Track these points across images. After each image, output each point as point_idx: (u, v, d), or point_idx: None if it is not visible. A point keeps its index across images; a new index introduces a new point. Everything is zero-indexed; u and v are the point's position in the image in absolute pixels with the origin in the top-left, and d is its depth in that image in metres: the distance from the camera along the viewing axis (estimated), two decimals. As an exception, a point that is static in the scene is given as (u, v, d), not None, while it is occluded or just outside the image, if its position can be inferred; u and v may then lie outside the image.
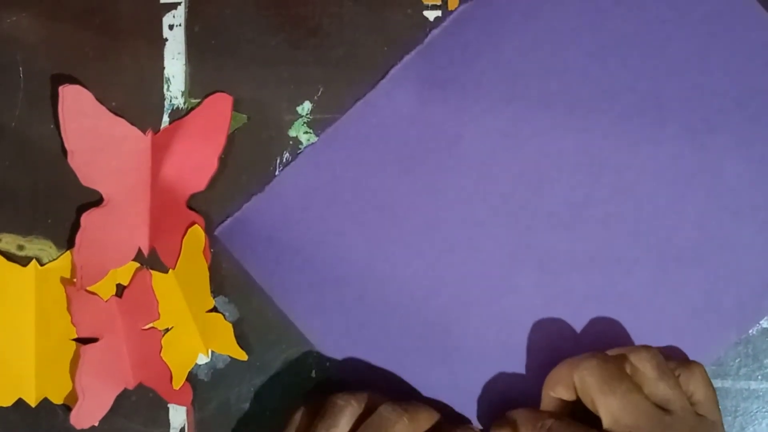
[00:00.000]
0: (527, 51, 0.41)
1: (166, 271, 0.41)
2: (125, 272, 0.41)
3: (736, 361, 0.40)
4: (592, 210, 0.40)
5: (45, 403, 0.42)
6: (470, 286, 0.41)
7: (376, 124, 0.41)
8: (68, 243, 0.42)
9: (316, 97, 0.41)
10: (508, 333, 0.41)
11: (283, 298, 0.41)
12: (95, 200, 0.41)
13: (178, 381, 0.41)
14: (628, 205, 0.40)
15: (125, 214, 0.41)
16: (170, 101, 0.42)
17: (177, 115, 0.42)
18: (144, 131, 0.41)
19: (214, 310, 0.42)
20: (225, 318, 0.41)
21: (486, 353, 0.41)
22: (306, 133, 0.41)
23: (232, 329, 0.41)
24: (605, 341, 0.39)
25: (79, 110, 0.41)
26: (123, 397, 0.42)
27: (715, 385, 0.37)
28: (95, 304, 0.41)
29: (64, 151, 0.41)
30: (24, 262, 0.42)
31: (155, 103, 0.42)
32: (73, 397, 0.41)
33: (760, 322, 0.40)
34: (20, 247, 0.42)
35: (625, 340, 0.40)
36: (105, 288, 0.41)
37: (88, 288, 0.41)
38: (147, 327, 0.41)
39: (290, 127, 0.41)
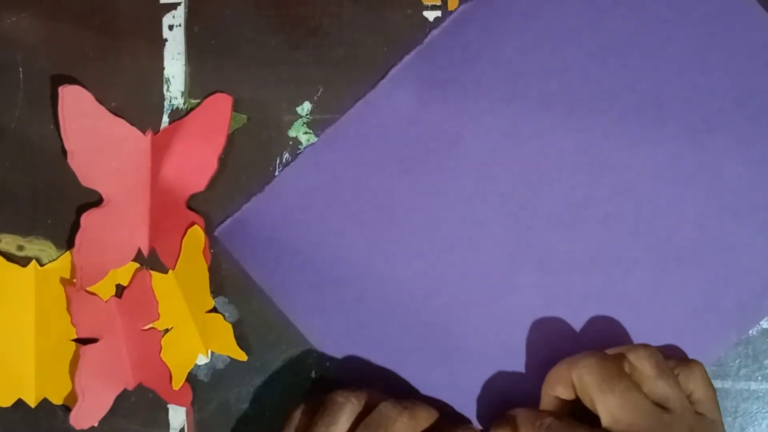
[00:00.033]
0: (527, 51, 0.41)
1: (166, 272, 0.41)
2: (125, 273, 0.41)
3: (736, 361, 0.40)
4: (592, 210, 0.40)
5: (45, 403, 0.42)
6: (470, 286, 0.41)
7: (376, 125, 0.41)
8: (68, 243, 0.42)
9: (315, 98, 0.41)
10: (508, 333, 0.40)
11: (283, 299, 0.41)
12: (95, 200, 0.41)
13: (178, 381, 0.41)
14: (628, 205, 0.40)
15: (125, 215, 0.41)
16: (170, 101, 0.42)
17: (177, 115, 0.42)
18: (144, 131, 0.41)
19: (214, 310, 0.42)
20: (225, 318, 0.41)
21: (486, 353, 0.41)
22: (306, 133, 0.41)
23: (231, 330, 0.41)
24: (605, 341, 0.39)
25: (78, 111, 0.41)
26: (123, 398, 0.42)
27: (715, 386, 0.37)
28: (95, 304, 0.41)
29: (64, 152, 0.41)
30: (24, 262, 0.42)
31: (155, 103, 0.42)
32: (72, 398, 0.41)
33: (760, 323, 0.40)
34: (20, 248, 0.42)
35: (625, 340, 0.40)
36: (105, 288, 0.41)
37: (87, 288, 0.41)
38: (147, 327, 0.41)
39: (290, 128, 0.41)
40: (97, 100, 0.41)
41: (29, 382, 0.41)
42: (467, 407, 0.41)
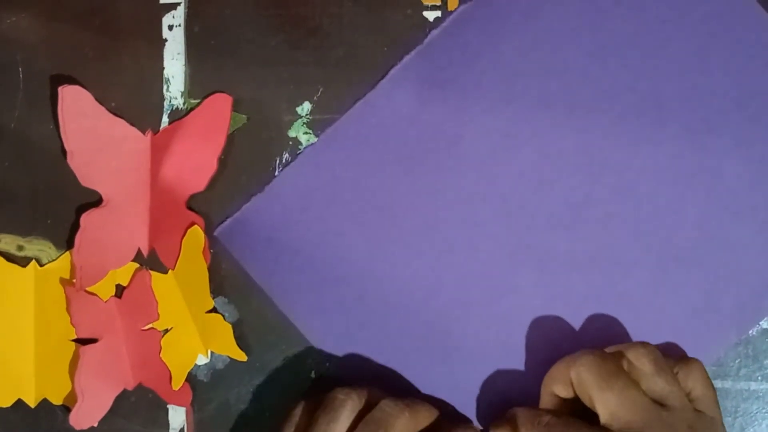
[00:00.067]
0: (527, 51, 0.41)
1: (166, 272, 0.41)
2: (125, 273, 0.41)
3: (736, 361, 0.40)
4: (592, 210, 0.40)
5: (44, 403, 0.42)
6: (470, 286, 0.41)
7: (376, 125, 0.41)
8: (68, 243, 0.42)
9: (315, 98, 0.41)
10: (508, 333, 0.40)
11: (283, 299, 0.41)
12: (95, 201, 0.41)
13: (178, 382, 0.41)
14: (628, 205, 0.40)
15: (125, 215, 0.41)
16: (170, 101, 0.42)
17: (176, 115, 0.42)
18: (143, 132, 0.41)
19: (214, 310, 0.42)
20: (224, 318, 0.41)
21: (486, 353, 0.41)
22: (306, 133, 0.41)
23: (231, 330, 0.41)
24: (605, 341, 0.39)
25: (78, 111, 0.41)
26: (122, 398, 0.41)
27: (715, 386, 0.37)
28: (95, 304, 0.41)
29: (64, 152, 0.41)
30: (23, 262, 0.42)
31: (155, 103, 0.42)
32: (72, 398, 0.41)
33: (760, 323, 0.40)
34: (20, 248, 0.42)
35: (625, 339, 0.40)
36: (104, 288, 0.41)
37: (87, 288, 0.41)
38: (146, 328, 0.41)
39: (290, 128, 0.41)
40: (97, 100, 0.41)
41: (29, 383, 0.41)
42: (467, 407, 0.41)
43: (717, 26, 0.40)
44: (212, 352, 0.42)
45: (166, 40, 0.42)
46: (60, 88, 0.40)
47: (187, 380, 0.41)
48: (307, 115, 0.41)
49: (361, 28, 0.41)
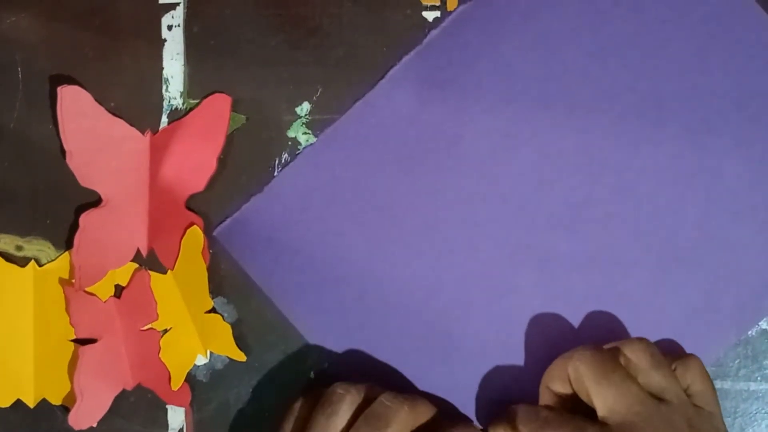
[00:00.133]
0: (527, 51, 0.41)
1: (165, 272, 0.41)
2: (124, 273, 0.41)
3: (736, 362, 0.40)
4: (592, 210, 0.40)
5: (43, 403, 0.42)
6: (470, 287, 0.41)
7: (376, 125, 0.41)
8: (67, 243, 0.42)
9: (315, 98, 0.41)
10: (508, 333, 0.40)
11: (282, 299, 0.41)
12: (94, 201, 0.41)
13: (177, 382, 0.41)
14: (628, 206, 0.40)
15: (124, 215, 0.41)
16: (169, 102, 0.42)
17: (176, 115, 0.42)
18: (143, 132, 0.41)
19: (213, 310, 0.42)
20: (224, 319, 0.41)
21: (486, 353, 0.41)
22: (305, 133, 0.41)
23: (230, 330, 0.41)
24: (605, 341, 0.39)
25: (77, 111, 0.41)
26: (121, 398, 0.41)
27: (714, 387, 0.37)
28: (94, 304, 0.41)
29: (63, 152, 0.41)
30: (22, 262, 0.42)
31: (154, 103, 0.42)
32: (71, 398, 0.41)
33: (760, 323, 0.40)
34: (19, 248, 0.42)
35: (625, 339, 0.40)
36: (104, 289, 0.41)
37: (86, 289, 0.41)
38: (145, 328, 0.41)
39: (289, 128, 0.41)
40: (96, 100, 0.41)
41: (28, 383, 0.41)
42: (467, 406, 0.41)
43: (717, 26, 0.40)
44: (211, 353, 0.42)
45: (165, 40, 0.42)
46: (59, 88, 0.40)
47: (186, 380, 0.41)
48: (306, 115, 0.41)
49: (361, 28, 0.41)
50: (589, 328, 0.40)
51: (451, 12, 0.41)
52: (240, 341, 0.41)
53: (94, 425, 0.41)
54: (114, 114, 0.41)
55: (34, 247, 0.42)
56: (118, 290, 0.42)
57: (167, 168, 0.41)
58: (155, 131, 0.41)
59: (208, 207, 0.42)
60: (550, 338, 0.40)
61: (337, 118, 0.41)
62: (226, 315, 0.42)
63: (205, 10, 0.42)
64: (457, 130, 0.41)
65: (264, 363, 0.42)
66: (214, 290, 0.42)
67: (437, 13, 0.41)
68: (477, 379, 0.41)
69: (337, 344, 0.41)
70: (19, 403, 0.41)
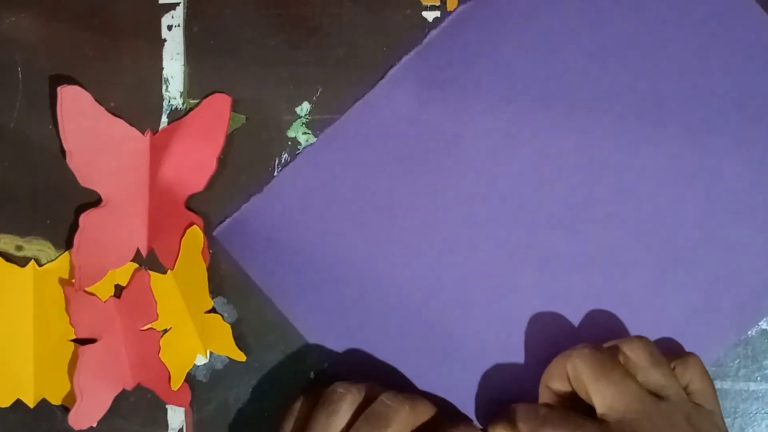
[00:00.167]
0: (527, 51, 0.41)
1: (165, 272, 0.41)
2: (124, 273, 0.41)
3: (736, 362, 0.40)
4: (592, 210, 0.40)
5: (43, 403, 0.42)
6: (470, 287, 0.41)
7: (375, 125, 0.41)
8: (67, 243, 0.42)
9: (315, 98, 0.41)
10: (508, 333, 0.40)
11: (282, 299, 0.41)
12: (94, 201, 0.41)
13: (177, 382, 0.41)
14: (628, 206, 0.40)
15: (124, 215, 0.41)
16: (169, 102, 0.42)
17: (176, 115, 0.42)
18: (143, 132, 0.41)
19: (213, 310, 0.42)
20: (223, 319, 0.41)
21: (486, 353, 0.41)
22: (305, 133, 0.41)
23: (230, 330, 0.41)
24: (604, 341, 0.39)
25: (77, 111, 0.41)
26: (121, 398, 0.41)
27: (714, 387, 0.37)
28: (94, 304, 0.41)
29: (63, 152, 0.41)
30: (22, 262, 0.42)
31: (154, 103, 0.42)
32: (71, 398, 0.41)
33: (760, 324, 0.40)
34: (19, 248, 0.42)
35: (625, 340, 0.40)
36: (103, 289, 0.41)
37: (86, 289, 0.41)
38: (145, 328, 0.41)
39: (289, 128, 0.41)
40: (96, 100, 0.41)
41: (28, 383, 0.41)
42: (467, 406, 0.41)
43: (717, 26, 0.40)
44: (211, 353, 0.42)
45: (165, 40, 0.42)
46: (59, 89, 0.40)
47: (186, 380, 0.41)
48: (306, 115, 0.41)
49: (361, 28, 0.41)
50: (589, 328, 0.40)
51: (451, 12, 0.41)
52: (240, 341, 0.41)
53: (94, 425, 0.41)
54: (114, 114, 0.41)
55: (34, 247, 0.42)
56: (118, 290, 0.42)
57: (167, 168, 0.41)
58: (155, 131, 0.41)
59: (208, 207, 0.42)
60: (550, 338, 0.40)
61: (337, 118, 0.41)
62: (225, 315, 0.42)
63: (205, 10, 0.42)
64: (457, 130, 0.41)
65: (264, 363, 0.42)
66: (214, 290, 0.42)
67: (437, 13, 0.41)
68: (477, 378, 0.41)
69: (336, 344, 0.41)
70: (19, 403, 0.41)
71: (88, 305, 0.41)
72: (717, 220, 0.40)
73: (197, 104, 0.41)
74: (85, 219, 0.40)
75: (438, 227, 0.41)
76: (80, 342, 0.41)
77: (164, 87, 0.42)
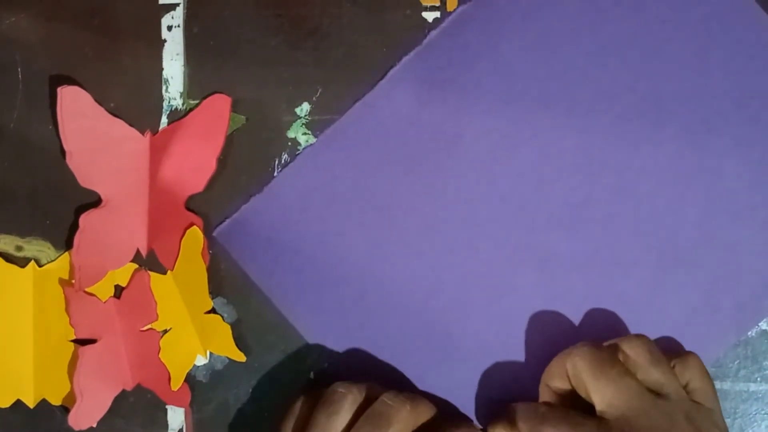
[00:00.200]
0: (526, 51, 0.41)
1: (165, 273, 0.41)
2: (124, 273, 0.41)
3: (735, 362, 0.40)
4: (592, 210, 0.40)
5: (43, 404, 0.42)
6: (470, 287, 0.41)
7: (375, 125, 0.41)
8: (67, 244, 0.42)
9: (314, 98, 0.41)
10: (507, 333, 0.40)
11: (282, 300, 0.41)
12: (94, 201, 0.41)
13: (177, 382, 0.41)
14: (628, 206, 0.40)
15: (124, 215, 0.41)
16: (169, 102, 0.42)
17: (175, 116, 0.42)
18: (142, 132, 0.41)
19: (213, 311, 0.42)
20: (223, 319, 0.41)
21: (486, 353, 0.41)
22: (305, 134, 0.41)
23: (230, 330, 0.41)
24: (604, 341, 0.39)
25: (77, 111, 0.41)
26: (121, 398, 0.41)
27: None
28: (94, 305, 0.41)
29: (63, 152, 0.41)
30: (22, 263, 0.42)
31: (154, 104, 0.42)
32: (71, 398, 0.41)
33: (759, 324, 0.40)
34: (18, 248, 0.42)
35: (625, 340, 0.40)
36: (103, 289, 0.41)
37: (86, 289, 0.41)
38: (145, 328, 0.41)
39: (289, 128, 0.41)
40: (96, 100, 0.41)
41: (28, 383, 0.41)
42: (467, 406, 0.41)
43: (717, 26, 0.40)
44: (211, 353, 0.42)
45: (165, 40, 0.42)
46: (59, 89, 0.40)
47: (185, 381, 0.41)
48: (306, 115, 0.41)
49: (361, 28, 0.41)
50: (588, 328, 0.40)
51: (450, 12, 0.41)
52: (239, 341, 0.41)
53: (94, 425, 0.41)
54: (114, 114, 0.41)
55: (33, 247, 0.42)
56: (118, 290, 0.42)
57: (167, 168, 0.41)
58: (155, 131, 0.41)
59: (207, 207, 0.42)
60: (550, 338, 0.40)
61: (336, 119, 0.41)
62: (225, 315, 0.42)
63: (204, 11, 0.42)
64: (456, 130, 0.41)
65: (264, 363, 0.42)
66: (214, 290, 0.42)
67: (437, 14, 0.41)
68: (477, 378, 0.41)
69: (336, 344, 0.41)
70: (19, 404, 0.41)
71: (88, 306, 0.41)
72: (717, 220, 0.40)
73: (197, 105, 0.41)
74: (85, 219, 0.40)
75: (438, 227, 0.41)
76: (80, 342, 0.41)
77: (164, 87, 0.42)
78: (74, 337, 0.41)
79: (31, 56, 0.42)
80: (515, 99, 0.41)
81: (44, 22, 0.42)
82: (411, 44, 0.41)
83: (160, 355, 0.41)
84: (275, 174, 0.41)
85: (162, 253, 0.41)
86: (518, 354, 0.40)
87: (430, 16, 0.41)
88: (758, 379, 0.40)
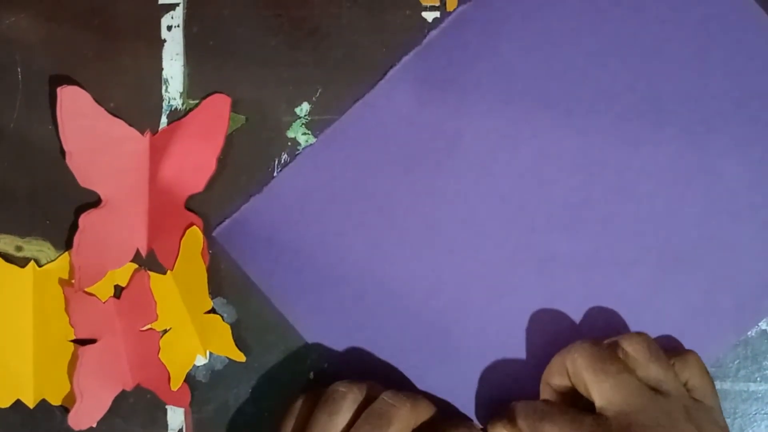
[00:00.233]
0: (526, 51, 0.41)
1: (165, 273, 0.41)
2: (123, 273, 0.41)
3: (735, 362, 0.40)
4: (592, 210, 0.40)
5: (43, 404, 0.42)
6: (470, 287, 0.41)
7: (375, 125, 0.41)
8: (66, 244, 0.42)
9: (314, 98, 0.41)
10: (507, 333, 0.40)
11: (282, 299, 0.41)
12: (93, 201, 0.41)
13: (176, 382, 0.41)
14: (627, 206, 0.40)
15: (123, 215, 0.41)
16: (168, 102, 0.42)
17: (175, 116, 0.42)
18: (142, 132, 0.41)
19: (213, 311, 0.42)
20: (223, 319, 0.41)
21: (486, 353, 0.41)
22: (304, 134, 0.41)
23: (230, 330, 0.41)
24: (604, 340, 0.39)
25: (77, 111, 0.41)
26: (121, 399, 0.41)
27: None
28: (93, 305, 0.41)
29: (63, 152, 0.41)
30: (22, 263, 0.42)
31: (154, 104, 0.42)
32: (71, 398, 0.41)
33: (759, 324, 0.40)
34: (18, 248, 0.42)
35: (624, 340, 0.40)
36: (103, 289, 0.41)
37: (86, 289, 0.41)
38: (145, 328, 0.41)
39: (289, 128, 0.41)
40: (96, 100, 0.41)
41: (28, 383, 0.41)
42: (467, 406, 0.41)
43: (717, 26, 0.40)
44: (211, 353, 0.42)
45: (164, 40, 0.42)
46: (59, 89, 0.40)
47: (185, 381, 0.41)
48: (306, 115, 0.41)
49: (360, 28, 0.41)
50: (588, 328, 0.40)
51: (450, 12, 0.41)
52: (239, 342, 0.41)
53: (94, 425, 0.41)
54: (114, 114, 0.41)
55: (33, 247, 0.42)
56: (118, 290, 0.42)
57: (167, 168, 0.41)
58: (155, 131, 0.41)
59: (207, 207, 0.42)
60: (550, 338, 0.40)
61: (336, 119, 0.41)
62: (225, 315, 0.42)
63: (204, 11, 0.42)
64: (456, 131, 0.41)
65: (263, 363, 0.42)
66: (214, 291, 0.42)
67: (437, 14, 0.41)
68: (477, 378, 0.41)
69: (336, 344, 0.41)
70: (18, 404, 0.41)
71: (88, 306, 0.41)
72: (717, 220, 0.40)
73: (197, 105, 0.41)
74: (84, 219, 0.40)
75: (438, 227, 0.41)
76: (80, 342, 0.41)
77: (164, 87, 0.42)
78: (74, 337, 0.41)
79: (31, 56, 0.42)
80: (515, 99, 0.40)
81: (44, 22, 0.42)
82: (411, 44, 0.41)
83: (159, 355, 0.41)
84: (275, 174, 0.41)
85: (162, 253, 0.41)
86: (518, 354, 0.40)
87: (430, 16, 0.41)
88: (758, 379, 0.40)
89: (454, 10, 0.41)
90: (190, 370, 0.42)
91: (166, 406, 0.42)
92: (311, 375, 0.41)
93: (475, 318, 0.41)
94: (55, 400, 0.42)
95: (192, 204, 0.41)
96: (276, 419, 0.39)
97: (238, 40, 0.42)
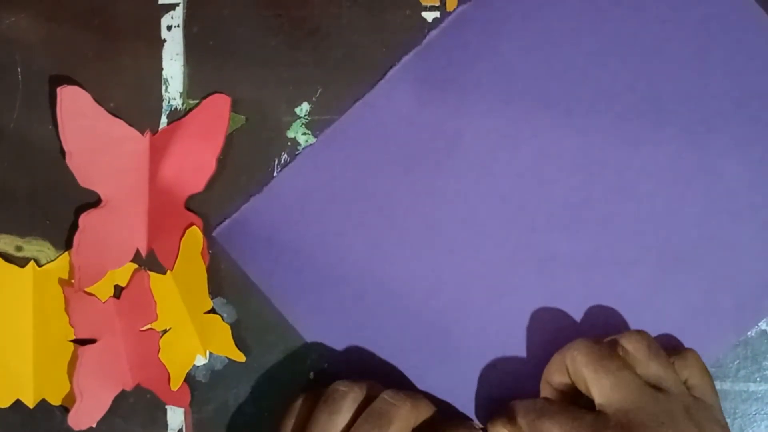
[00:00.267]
0: (526, 51, 0.41)
1: (164, 273, 0.41)
2: (123, 273, 0.41)
3: (735, 362, 0.40)
4: (592, 210, 0.40)
5: (43, 404, 0.42)
6: (470, 286, 0.41)
7: (375, 125, 0.41)
8: (66, 244, 0.42)
9: (314, 98, 0.41)
10: (507, 333, 0.40)
11: (282, 299, 0.41)
12: (93, 201, 0.41)
13: (176, 382, 0.41)
14: (627, 206, 0.40)
15: (123, 215, 0.41)
16: (168, 102, 0.42)
17: (175, 116, 0.42)
18: (142, 132, 0.41)
19: (212, 311, 0.42)
20: (223, 319, 0.41)
21: (485, 353, 0.41)
22: (304, 134, 0.41)
23: (230, 330, 0.41)
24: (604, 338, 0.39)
25: (77, 111, 0.41)
26: (121, 399, 0.41)
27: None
28: (93, 305, 0.41)
29: (63, 152, 0.41)
30: (22, 263, 0.42)
31: (153, 104, 0.42)
32: (71, 398, 0.41)
33: (759, 324, 0.40)
34: (18, 248, 0.42)
35: (625, 340, 0.40)
36: (103, 289, 0.41)
37: (86, 289, 0.41)
38: (145, 328, 0.41)
39: (289, 128, 0.41)
40: (96, 100, 0.41)
41: (28, 383, 0.41)
42: (467, 406, 0.41)
43: (716, 26, 0.40)
44: (211, 353, 0.42)
45: (164, 40, 0.42)
46: (59, 89, 0.40)
47: (185, 381, 0.41)
48: (305, 115, 0.41)
49: (360, 28, 0.41)
50: (588, 328, 0.40)
51: (450, 12, 0.41)
52: (239, 342, 0.41)
53: (94, 425, 0.41)
54: (114, 114, 0.41)
55: (33, 247, 0.42)
56: (118, 290, 0.42)
57: (167, 168, 0.41)
58: (155, 131, 0.41)
59: (207, 207, 0.42)
60: (550, 338, 0.40)
61: (336, 119, 0.41)
62: (225, 315, 0.42)
63: (204, 11, 0.42)
64: (456, 130, 0.41)
65: (263, 363, 0.42)
66: (214, 291, 0.42)
67: (437, 14, 0.41)
68: (476, 378, 0.41)
69: (336, 344, 0.41)
70: (18, 404, 0.41)
71: (88, 305, 0.41)
72: (717, 220, 0.40)
73: (197, 104, 0.41)
74: (84, 219, 0.40)
75: (438, 227, 0.41)
76: (80, 342, 0.41)
77: (164, 87, 0.42)
78: (74, 337, 0.41)
79: (31, 56, 0.42)
80: (515, 99, 0.40)
81: (44, 22, 0.42)
82: (411, 44, 0.41)
83: (159, 355, 0.41)
84: (275, 174, 0.41)
85: (162, 253, 0.41)
86: (518, 353, 0.40)
87: (429, 16, 0.41)
88: (758, 379, 0.40)
89: (454, 10, 0.41)
90: (190, 370, 0.42)
91: (166, 406, 0.42)
92: (311, 375, 0.41)
93: (475, 318, 0.41)
94: (55, 400, 0.42)
95: (192, 204, 0.41)
96: (276, 419, 0.39)
97: (238, 40, 0.42)
